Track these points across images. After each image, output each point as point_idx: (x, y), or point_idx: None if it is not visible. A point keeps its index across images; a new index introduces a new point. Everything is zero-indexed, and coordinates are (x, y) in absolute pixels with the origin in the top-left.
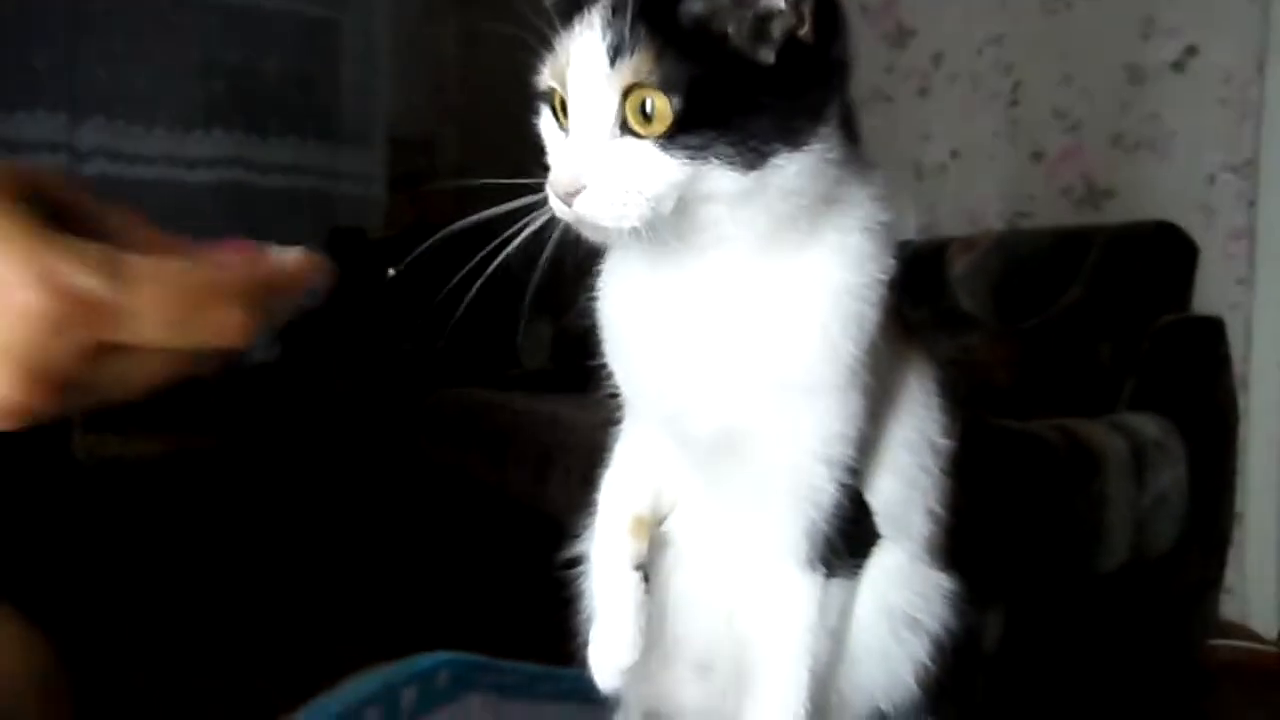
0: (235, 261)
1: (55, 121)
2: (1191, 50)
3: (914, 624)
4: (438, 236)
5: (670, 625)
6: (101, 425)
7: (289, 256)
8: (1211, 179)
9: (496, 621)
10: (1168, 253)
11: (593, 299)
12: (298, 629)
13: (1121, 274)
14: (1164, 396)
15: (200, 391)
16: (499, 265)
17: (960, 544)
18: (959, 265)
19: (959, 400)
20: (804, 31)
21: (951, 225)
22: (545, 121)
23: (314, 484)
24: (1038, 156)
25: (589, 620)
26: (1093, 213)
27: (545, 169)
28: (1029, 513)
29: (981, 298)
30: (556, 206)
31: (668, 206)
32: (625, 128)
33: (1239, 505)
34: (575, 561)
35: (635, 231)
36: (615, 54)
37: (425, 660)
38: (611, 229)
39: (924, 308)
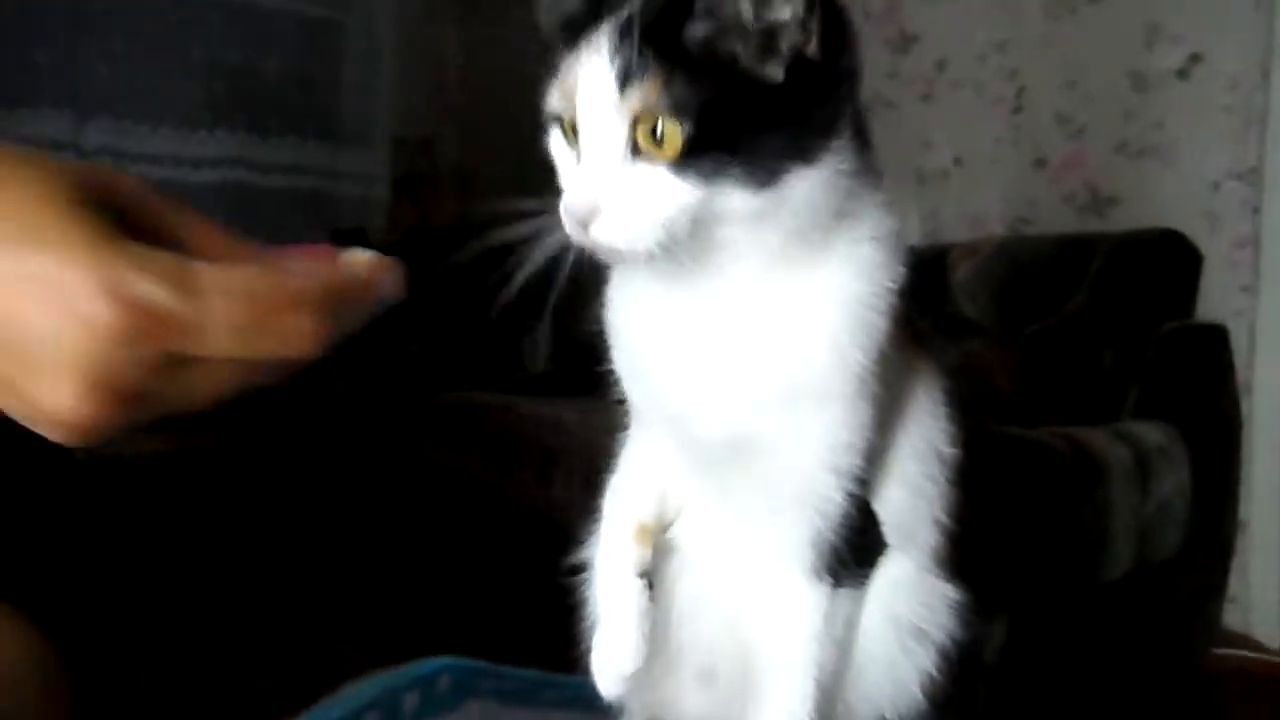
0: (306, 268)
1: (60, 119)
2: (1196, 57)
3: (920, 634)
4: (474, 249)
5: (674, 633)
6: None
7: (361, 261)
8: (1216, 186)
9: (498, 626)
10: (1172, 260)
11: (601, 306)
12: (299, 631)
13: (1125, 281)
14: (1168, 404)
15: None
16: (504, 271)
17: (965, 553)
18: (961, 271)
19: (964, 408)
20: (811, 47)
21: (954, 231)
22: (555, 143)
23: (315, 485)
24: (1041, 163)
25: (592, 627)
26: (1096, 219)
27: (549, 174)
28: (1034, 520)
29: (984, 304)
30: (572, 231)
31: (682, 229)
32: (637, 152)
33: (1243, 513)
34: (579, 568)
35: (650, 254)
36: (624, 81)
37: (426, 665)
38: (626, 252)
39: (927, 313)
